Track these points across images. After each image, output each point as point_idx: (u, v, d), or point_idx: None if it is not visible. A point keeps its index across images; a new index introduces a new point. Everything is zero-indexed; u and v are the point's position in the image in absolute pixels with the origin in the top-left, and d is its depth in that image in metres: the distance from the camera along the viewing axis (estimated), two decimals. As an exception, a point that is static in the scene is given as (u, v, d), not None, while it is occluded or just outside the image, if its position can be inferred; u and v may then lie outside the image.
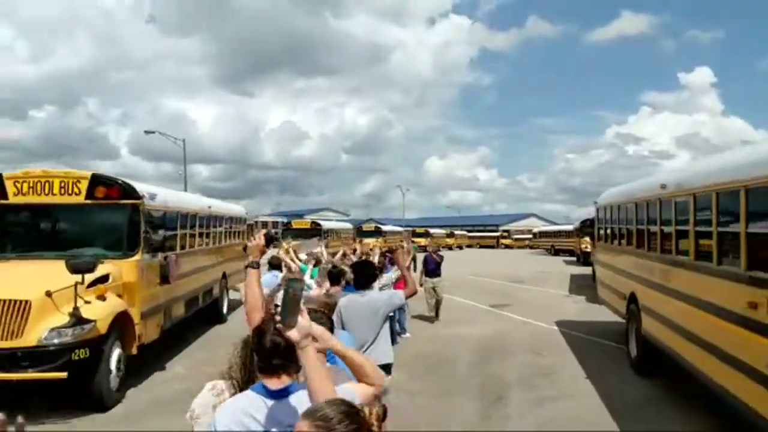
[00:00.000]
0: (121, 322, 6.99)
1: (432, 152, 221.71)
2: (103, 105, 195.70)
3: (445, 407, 6.85)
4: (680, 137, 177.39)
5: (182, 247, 9.67)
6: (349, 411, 1.57)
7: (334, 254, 10.47)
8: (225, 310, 12.72)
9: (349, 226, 38.74)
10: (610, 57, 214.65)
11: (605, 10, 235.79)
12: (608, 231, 10.76)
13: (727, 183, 5.15)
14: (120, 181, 7.78)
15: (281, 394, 2.02)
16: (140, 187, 8.00)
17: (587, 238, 28.12)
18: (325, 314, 3.04)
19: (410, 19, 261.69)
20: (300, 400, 1.95)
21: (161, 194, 8.85)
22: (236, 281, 13.33)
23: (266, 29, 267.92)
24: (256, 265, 3.19)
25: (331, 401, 1.63)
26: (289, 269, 7.76)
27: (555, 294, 18.34)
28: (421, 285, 12.28)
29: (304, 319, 1.81)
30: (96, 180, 7.64)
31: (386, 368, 4.70)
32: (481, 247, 73.25)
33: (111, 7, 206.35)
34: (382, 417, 1.63)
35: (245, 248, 3.80)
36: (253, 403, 2.02)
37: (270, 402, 2.00)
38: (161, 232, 8.28)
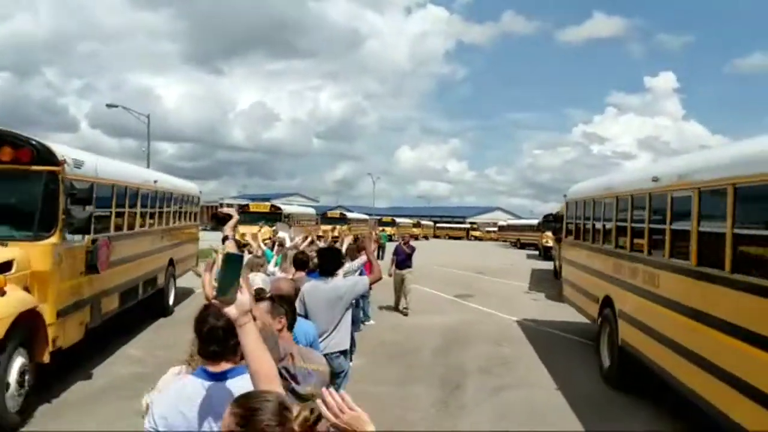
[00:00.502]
0: (28, 323, 5.59)
1: (404, 142, 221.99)
2: (64, 75, 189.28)
3: (405, 395, 6.89)
4: (642, 139, 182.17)
5: (117, 228, 8.26)
6: (277, 408, 1.48)
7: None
8: (171, 301, 11.33)
9: (312, 211, 36.72)
10: (582, 56, 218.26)
11: (579, 9, 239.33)
12: (579, 227, 10.05)
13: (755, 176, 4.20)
14: (33, 142, 6.15)
15: (219, 377, 1.99)
16: (61, 150, 6.41)
17: (549, 233, 28.01)
18: (287, 302, 3.00)
19: (388, 6, 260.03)
20: (238, 385, 1.90)
21: (89, 161, 7.26)
22: (185, 268, 12.47)
23: (241, 7, 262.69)
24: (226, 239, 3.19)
25: (264, 393, 1.56)
26: (249, 252, 7.61)
27: (518, 286, 18.64)
28: (390, 275, 12.22)
29: (244, 296, 1.75)
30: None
31: (344, 354, 4.71)
32: (450, 238, 73.58)
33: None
34: (313, 423, 1.50)
35: (218, 219, 3.32)
36: (193, 388, 1.99)
37: (207, 384, 1.98)
38: (88, 209, 6.62)
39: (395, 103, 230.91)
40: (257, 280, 3.98)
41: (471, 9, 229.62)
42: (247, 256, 6.34)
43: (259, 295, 3.13)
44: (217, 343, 2.00)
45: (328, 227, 28.02)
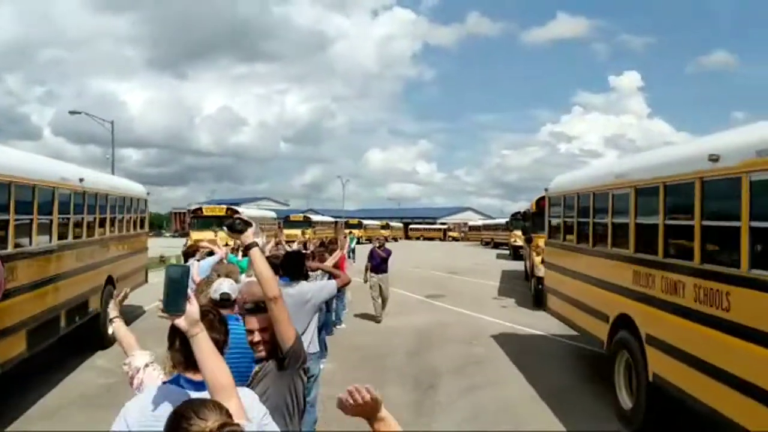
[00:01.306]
0: None
1: (373, 144, 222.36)
2: (25, 82, 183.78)
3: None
4: (608, 137, 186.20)
5: (19, 244, 6.23)
6: (225, 422, 1.42)
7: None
8: (111, 330, 8.39)
9: (273, 215, 34.61)
10: (547, 57, 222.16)
11: (543, 10, 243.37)
12: (570, 226, 8.39)
13: None
14: None
15: (201, 386, 1.91)
16: None
17: (518, 232, 27.73)
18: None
19: (354, 9, 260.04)
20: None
21: None
22: (132, 284, 10.42)
23: (204, 11, 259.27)
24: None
25: (214, 404, 1.50)
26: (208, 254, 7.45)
27: (487, 286, 18.80)
28: (365, 281, 12.00)
29: (192, 306, 1.74)
30: None
31: (313, 356, 4.72)
32: (425, 239, 72.59)
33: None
34: None
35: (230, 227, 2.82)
36: (176, 396, 1.91)
37: (190, 394, 1.91)
38: None
39: (363, 105, 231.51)
40: (224, 285, 3.93)
41: (436, 11, 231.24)
42: (197, 264, 6.19)
43: (225, 302, 3.07)
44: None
45: (292, 231, 26.99)
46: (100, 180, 9.83)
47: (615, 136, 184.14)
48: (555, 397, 6.79)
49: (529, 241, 15.48)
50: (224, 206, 27.24)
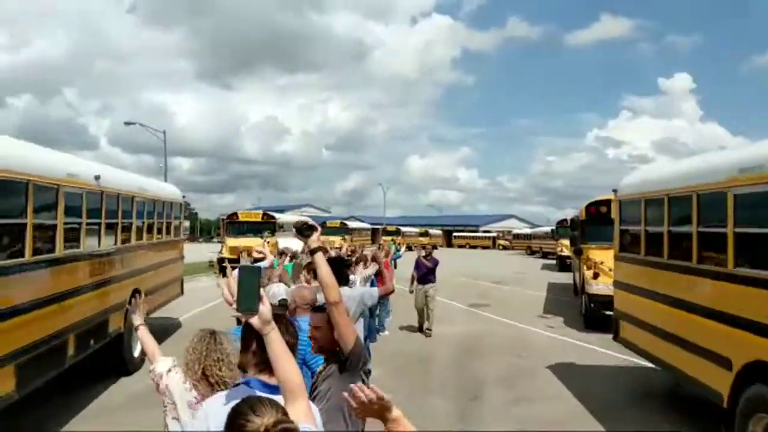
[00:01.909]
0: None
1: (414, 151, 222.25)
2: (82, 95, 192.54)
3: (421, 406, 6.81)
4: (658, 142, 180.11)
5: (15, 253, 5.20)
6: (279, 419, 1.44)
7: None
8: (137, 352, 8.06)
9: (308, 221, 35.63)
10: (591, 60, 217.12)
11: (585, 12, 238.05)
12: (658, 237, 6.55)
13: None
14: None
15: (277, 390, 1.89)
16: None
17: (565, 241, 26.56)
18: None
19: (393, 17, 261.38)
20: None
21: None
22: (165, 298, 10.05)
23: (248, 24, 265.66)
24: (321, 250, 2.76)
25: (270, 402, 1.51)
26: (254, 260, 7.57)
27: (538, 297, 18.39)
28: (411, 292, 11.37)
29: (264, 306, 1.80)
30: None
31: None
32: (471, 248, 68.80)
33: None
34: None
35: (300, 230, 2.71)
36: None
37: (274, 397, 1.87)
38: None
39: (403, 112, 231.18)
40: (281, 290, 4.01)
41: (475, 16, 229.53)
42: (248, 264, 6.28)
43: (282, 307, 3.15)
44: None
45: (329, 238, 25.99)
46: (123, 179, 8.59)
47: (666, 140, 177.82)
48: (607, 414, 6.52)
49: (578, 253, 13.85)
50: (260, 211, 26.50)
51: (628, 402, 6.99)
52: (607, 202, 12.21)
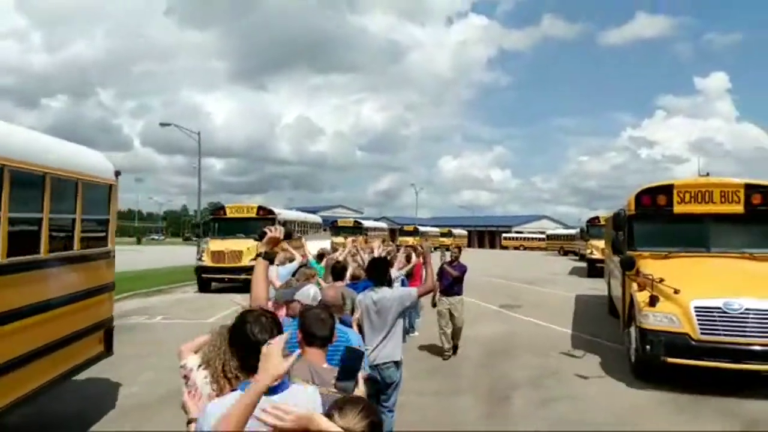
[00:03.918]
0: None
1: (447, 151, 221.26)
2: (117, 96, 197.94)
3: (450, 406, 6.87)
4: (693, 142, 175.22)
5: None
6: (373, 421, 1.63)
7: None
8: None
9: (317, 219, 29.55)
10: (626, 58, 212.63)
11: (620, 10, 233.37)
12: None
13: None
14: None
15: (275, 390, 1.98)
16: None
17: (595, 242, 24.57)
18: (329, 314, 3.07)
19: (429, 17, 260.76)
20: (294, 395, 1.94)
21: None
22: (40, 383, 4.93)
23: (283, 24, 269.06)
24: (267, 257, 3.00)
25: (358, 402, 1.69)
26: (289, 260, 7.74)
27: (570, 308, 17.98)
28: (434, 305, 9.45)
29: (360, 389, 1.96)
30: None
31: (397, 365, 4.75)
32: (526, 249, 64.50)
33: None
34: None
35: (261, 236, 3.04)
36: None
37: (270, 399, 1.95)
38: None
39: (438, 112, 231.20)
40: (311, 292, 4.13)
41: (511, 15, 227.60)
42: (276, 269, 6.32)
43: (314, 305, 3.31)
44: None
45: (340, 239, 23.43)
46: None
47: (701, 140, 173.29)
48: (639, 415, 6.47)
49: (628, 266, 8.45)
50: (255, 205, 20.10)
51: (661, 402, 6.88)
52: (668, 189, 8.88)
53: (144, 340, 10.24)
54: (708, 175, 6.79)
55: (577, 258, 39.54)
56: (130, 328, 11.55)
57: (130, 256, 34.78)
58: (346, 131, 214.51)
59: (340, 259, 7.65)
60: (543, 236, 67.56)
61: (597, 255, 23.25)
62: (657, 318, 7.41)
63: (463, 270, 9.31)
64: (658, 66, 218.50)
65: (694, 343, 7.06)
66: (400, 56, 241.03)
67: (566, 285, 21.60)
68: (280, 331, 2.14)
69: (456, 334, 9.35)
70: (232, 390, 2.20)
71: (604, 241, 17.36)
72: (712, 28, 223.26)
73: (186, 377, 2.65)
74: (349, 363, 1.87)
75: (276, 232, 3.04)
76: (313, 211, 47.57)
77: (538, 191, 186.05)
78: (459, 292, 9.31)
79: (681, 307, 7.24)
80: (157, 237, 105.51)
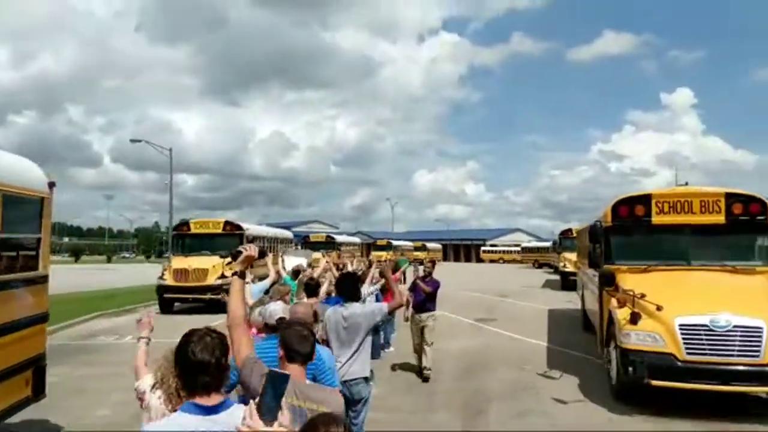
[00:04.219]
0: None
1: (421, 166, 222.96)
2: (86, 112, 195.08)
3: (426, 422, 6.84)
4: (661, 155, 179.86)
5: None
6: None
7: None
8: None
9: (288, 234, 28.84)
10: (595, 75, 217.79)
11: (587, 28, 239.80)
12: None
13: None
14: None
15: (213, 411, 1.94)
16: None
17: (567, 254, 24.26)
18: (310, 330, 3.05)
19: (400, 34, 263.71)
20: (234, 416, 1.87)
21: None
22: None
23: (255, 41, 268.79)
24: (242, 275, 2.97)
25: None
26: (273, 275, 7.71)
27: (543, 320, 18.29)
28: (406, 320, 9.24)
29: (284, 418, 1.67)
30: None
31: (366, 381, 4.73)
32: (505, 262, 62.60)
33: (98, 14, 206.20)
34: None
35: (233, 255, 3.04)
36: (194, 424, 1.94)
37: (208, 418, 1.93)
38: None
39: (411, 128, 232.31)
40: (278, 308, 4.07)
41: (480, 33, 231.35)
42: (249, 287, 6.30)
43: (279, 324, 3.25)
44: (208, 373, 1.99)
45: (318, 254, 22.82)
46: None
47: (668, 153, 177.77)
48: (612, 424, 6.53)
49: (607, 282, 7.82)
50: (221, 219, 19.19)
51: (634, 412, 6.97)
52: (646, 199, 8.41)
53: (114, 361, 9.99)
54: (687, 184, 6.27)
55: (552, 270, 39.58)
56: (100, 349, 11.30)
57: (100, 276, 34.18)
58: (320, 146, 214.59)
59: (315, 275, 7.60)
60: (519, 249, 67.35)
61: (570, 268, 22.87)
62: (639, 337, 6.87)
63: (436, 286, 8.93)
64: (626, 82, 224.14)
65: (680, 364, 6.55)
66: (372, 72, 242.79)
67: (541, 298, 21.78)
68: (225, 351, 2.10)
69: (424, 352, 8.76)
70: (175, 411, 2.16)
71: (577, 254, 17.34)
72: (676, 46, 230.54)
73: (140, 399, 2.63)
74: (272, 387, 1.72)
75: (251, 250, 3.02)
76: (288, 227, 47.13)
77: (512, 204, 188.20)
78: (432, 309, 8.91)
79: (664, 324, 6.74)
80: (128, 255, 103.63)
